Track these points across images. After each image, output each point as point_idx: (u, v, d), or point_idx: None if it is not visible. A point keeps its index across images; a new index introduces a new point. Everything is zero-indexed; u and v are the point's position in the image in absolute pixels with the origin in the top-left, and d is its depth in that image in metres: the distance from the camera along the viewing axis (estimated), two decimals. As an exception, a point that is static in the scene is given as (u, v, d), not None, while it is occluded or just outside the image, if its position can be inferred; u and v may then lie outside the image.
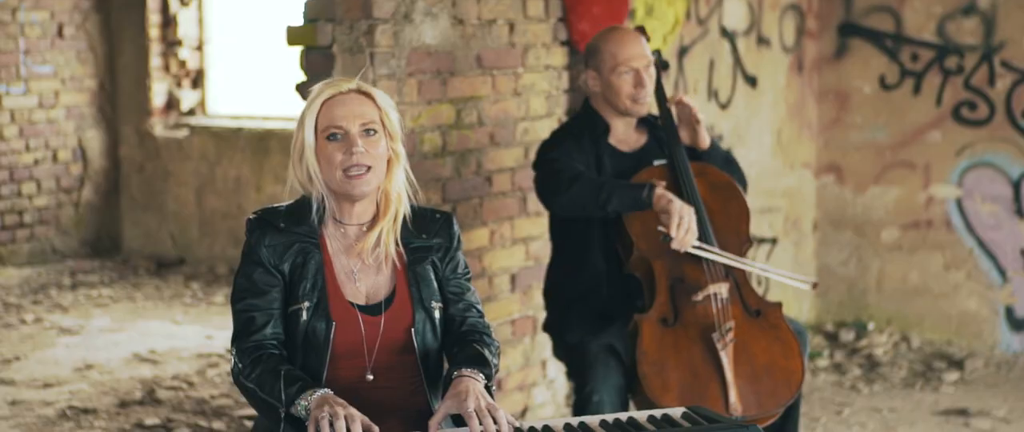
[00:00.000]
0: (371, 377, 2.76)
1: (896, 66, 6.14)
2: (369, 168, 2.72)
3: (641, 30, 3.96)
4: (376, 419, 2.54)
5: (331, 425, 2.47)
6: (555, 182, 3.76)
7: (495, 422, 2.51)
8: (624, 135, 3.95)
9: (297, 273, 2.75)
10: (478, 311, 2.89)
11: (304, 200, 2.81)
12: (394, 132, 2.78)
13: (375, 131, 2.74)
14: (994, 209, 5.99)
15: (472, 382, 2.62)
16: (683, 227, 3.58)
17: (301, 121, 2.76)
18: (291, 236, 2.77)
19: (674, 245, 3.59)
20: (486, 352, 2.76)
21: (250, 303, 2.75)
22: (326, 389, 2.60)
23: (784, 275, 3.96)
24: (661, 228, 3.62)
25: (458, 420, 2.63)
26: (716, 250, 3.71)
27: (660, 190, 3.64)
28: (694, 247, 3.63)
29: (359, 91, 2.76)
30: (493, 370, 2.74)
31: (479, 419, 2.51)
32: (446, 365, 2.83)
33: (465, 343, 2.80)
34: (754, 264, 3.87)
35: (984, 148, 5.97)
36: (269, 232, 2.77)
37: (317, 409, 2.52)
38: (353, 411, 2.51)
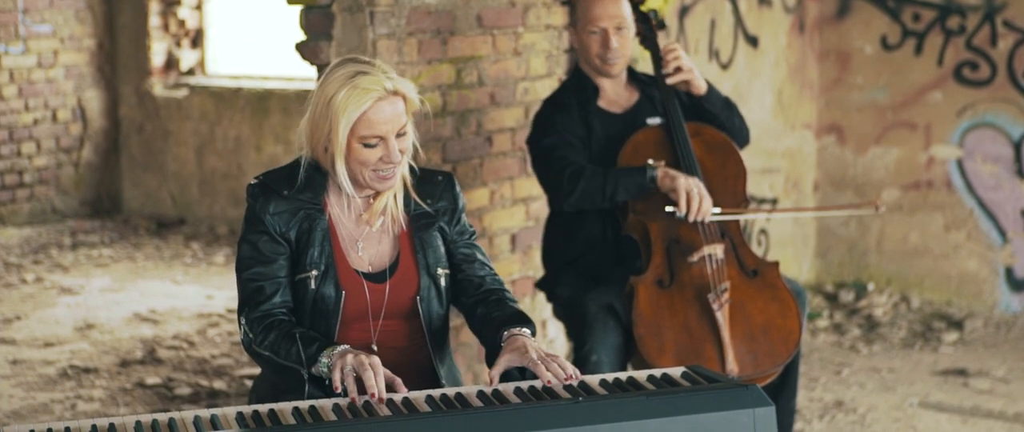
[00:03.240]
0: (375, 347, 2.76)
1: (898, 26, 6.12)
2: (396, 165, 2.71)
3: (641, -11, 3.94)
4: None
5: (357, 379, 2.48)
6: (558, 182, 3.75)
7: (561, 368, 2.53)
8: (614, 95, 3.92)
9: (304, 240, 2.73)
10: (491, 269, 2.90)
11: (306, 165, 2.76)
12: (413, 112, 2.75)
13: (405, 132, 2.72)
14: (995, 170, 5.99)
15: (525, 338, 2.64)
16: (695, 201, 3.58)
17: (330, 111, 2.64)
18: (296, 203, 2.74)
19: (692, 219, 3.59)
20: (518, 307, 2.78)
21: (257, 272, 2.72)
22: (345, 344, 2.60)
23: (843, 208, 3.84)
24: (669, 208, 3.61)
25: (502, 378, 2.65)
26: (739, 211, 3.70)
27: (662, 169, 3.63)
28: (714, 216, 3.62)
29: (394, 92, 2.68)
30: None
31: (546, 367, 2.53)
32: (461, 324, 2.83)
33: (492, 303, 2.80)
34: (804, 211, 3.79)
35: (985, 108, 5.96)
36: (273, 199, 2.73)
37: (340, 358, 2.52)
38: (376, 361, 2.51)
